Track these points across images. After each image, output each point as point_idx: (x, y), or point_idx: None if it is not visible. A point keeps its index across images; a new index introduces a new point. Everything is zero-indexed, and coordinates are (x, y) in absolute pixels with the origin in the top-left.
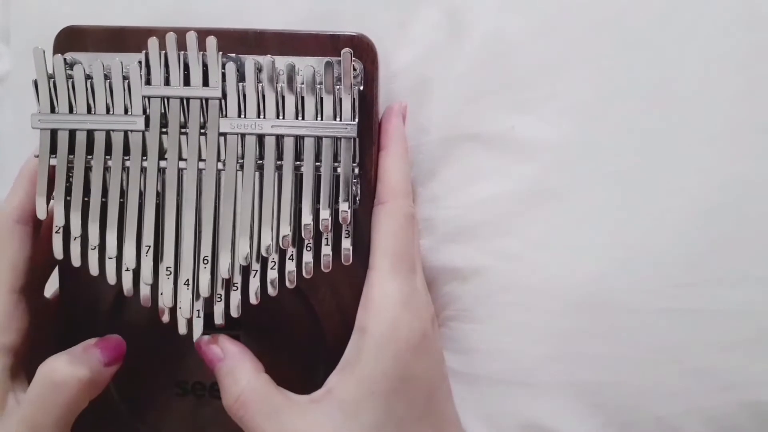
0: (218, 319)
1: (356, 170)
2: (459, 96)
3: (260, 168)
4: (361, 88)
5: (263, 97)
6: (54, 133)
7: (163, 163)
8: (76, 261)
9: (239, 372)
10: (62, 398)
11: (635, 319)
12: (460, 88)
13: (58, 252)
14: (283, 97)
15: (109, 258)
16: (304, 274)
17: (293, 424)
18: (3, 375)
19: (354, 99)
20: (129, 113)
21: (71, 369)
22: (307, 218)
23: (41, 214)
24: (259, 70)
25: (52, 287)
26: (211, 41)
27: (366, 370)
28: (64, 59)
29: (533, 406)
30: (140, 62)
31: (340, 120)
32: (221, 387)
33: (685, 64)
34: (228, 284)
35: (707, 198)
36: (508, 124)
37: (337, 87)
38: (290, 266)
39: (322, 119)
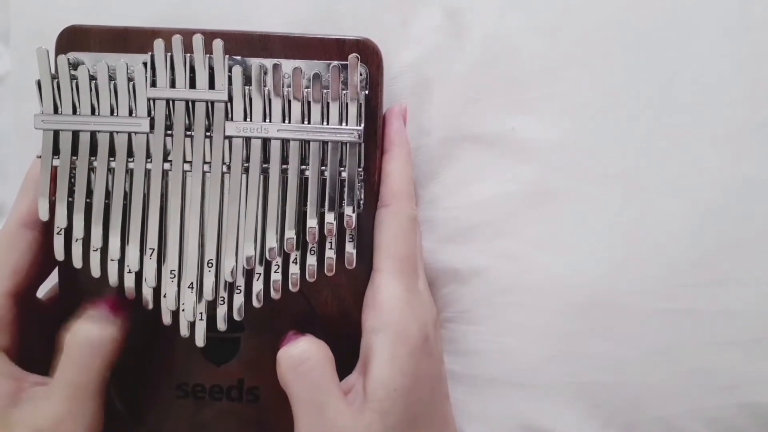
0: (221, 321)
1: (361, 174)
2: (459, 97)
3: (265, 171)
4: (367, 92)
5: (269, 100)
6: (57, 133)
7: (167, 166)
8: (77, 263)
9: (318, 340)
10: (101, 357)
11: (635, 319)
12: (460, 89)
13: (59, 253)
14: (289, 101)
15: (111, 260)
16: (307, 277)
17: (339, 414)
18: (11, 367)
19: (360, 104)
20: (134, 115)
21: (102, 330)
22: (311, 222)
23: (43, 215)
24: (265, 73)
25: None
26: (218, 44)
27: (385, 370)
28: (68, 59)
29: (533, 407)
30: (145, 63)
31: (346, 125)
32: (289, 342)
33: (686, 64)
34: (231, 287)
35: (707, 198)
36: (509, 125)
37: (343, 92)
38: (293, 269)
39: (327, 123)
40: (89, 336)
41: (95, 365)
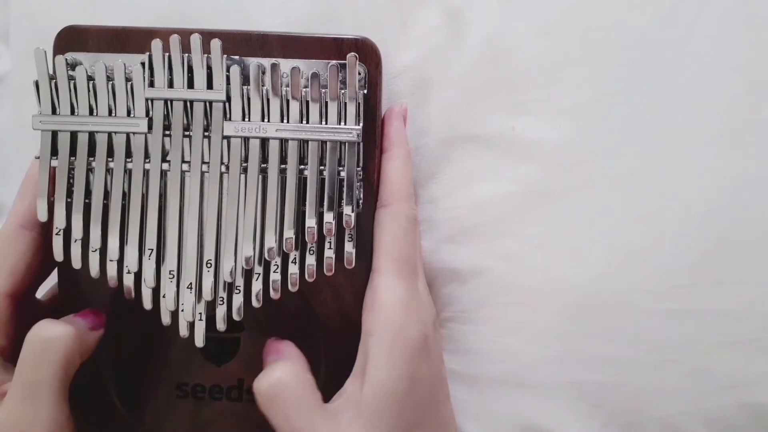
0: (220, 322)
1: (360, 174)
2: (459, 97)
3: (264, 171)
4: (365, 91)
5: (267, 100)
6: (55, 134)
7: (165, 166)
8: (76, 263)
9: (293, 361)
10: (55, 353)
11: (635, 319)
12: (460, 89)
13: (58, 254)
14: (287, 101)
15: (110, 261)
16: (306, 277)
17: (324, 428)
18: (2, 367)
19: (359, 104)
20: (132, 115)
21: (59, 327)
22: (310, 222)
23: (42, 216)
24: (263, 73)
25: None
26: (216, 44)
27: (380, 374)
28: (66, 60)
29: (533, 407)
30: (143, 63)
31: (345, 124)
32: (266, 367)
33: (685, 64)
34: (230, 287)
35: (707, 198)
36: (508, 125)
37: (342, 91)
38: (293, 269)
39: (326, 123)
40: (41, 334)
41: (50, 363)
